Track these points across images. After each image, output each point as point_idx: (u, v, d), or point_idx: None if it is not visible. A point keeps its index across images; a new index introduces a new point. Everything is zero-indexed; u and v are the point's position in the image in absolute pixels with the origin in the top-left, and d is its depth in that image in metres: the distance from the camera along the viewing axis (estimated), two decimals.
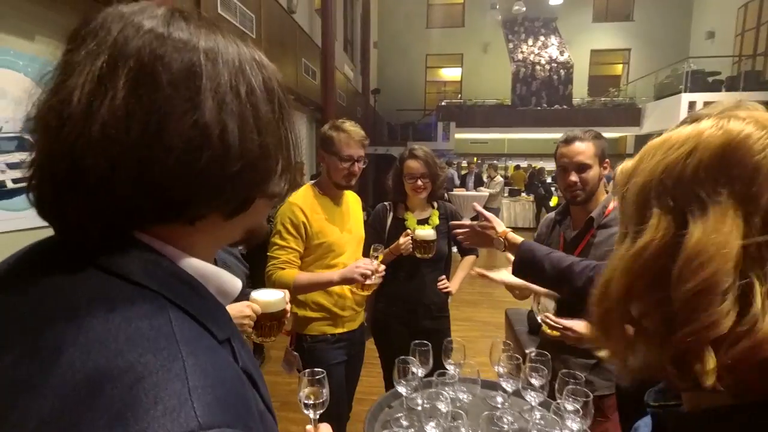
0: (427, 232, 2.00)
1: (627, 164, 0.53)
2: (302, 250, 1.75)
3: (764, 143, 0.43)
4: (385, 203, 2.27)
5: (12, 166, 2.49)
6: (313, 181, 1.88)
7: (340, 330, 1.85)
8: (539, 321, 1.46)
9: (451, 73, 17.55)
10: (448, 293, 2.22)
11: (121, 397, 0.31)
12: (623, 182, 0.52)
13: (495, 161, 13.13)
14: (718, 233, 0.41)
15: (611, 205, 1.53)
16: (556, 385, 1.19)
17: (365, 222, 2.15)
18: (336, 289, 1.81)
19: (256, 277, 3.44)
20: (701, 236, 0.41)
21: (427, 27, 16.70)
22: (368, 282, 1.72)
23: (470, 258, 2.34)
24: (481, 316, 4.76)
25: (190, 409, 0.32)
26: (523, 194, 11.54)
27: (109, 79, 0.38)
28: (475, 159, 14.05)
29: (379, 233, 2.19)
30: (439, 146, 13.05)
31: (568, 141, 1.54)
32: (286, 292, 1.29)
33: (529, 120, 13.80)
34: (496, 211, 8.78)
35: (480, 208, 1.51)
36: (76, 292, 0.37)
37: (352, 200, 1.99)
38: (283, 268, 1.70)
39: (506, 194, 11.35)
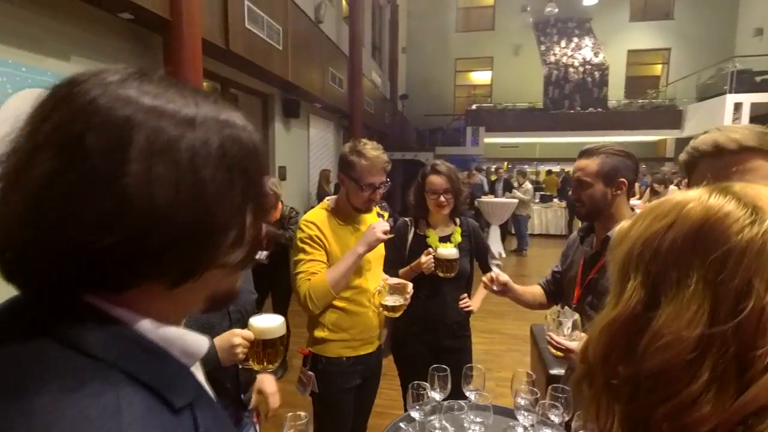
0: (449, 251, 1.95)
1: (624, 225, 0.52)
2: (327, 261, 1.69)
3: (742, 225, 0.40)
4: (406, 219, 2.23)
5: None
6: (329, 199, 1.85)
7: (356, 353, 1.80)
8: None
9: (481, 77, 17.35)
10: (470, 312, 2.16)
11: None
12: (616, 244, 0.51)
13: (524, 167, 12.84)
14: (682, 319, 0.40)
15: None
16: (573, 424, 1.13)
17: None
18: (357, 310, 1.76)
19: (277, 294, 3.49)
20: (667, 319, 0.41)
21: (456, 31, 16.58)
22: (397, 303, 1.69)
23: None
24: (508, 328, 4.63)
25: None
26: (555, 200, 11.22)
27: (39, 150, 0.38)
28: (505, 164, 13.82)
29: (399, 250, 2.14)
30: (467, 151, 12.91)
31: (579, 154, 1.52)
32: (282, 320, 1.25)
33: (561, 123, 13.45)
34: (526, 219, 8.56)
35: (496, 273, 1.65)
36: (29, 366, 0.36)
37: (369, 218, 1.93)
38: (310, 279, 1.65)
39: (537, 200, 11.07)
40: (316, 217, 1.74)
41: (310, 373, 1.76)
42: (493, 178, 10.05)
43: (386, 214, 1.78)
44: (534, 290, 1.84)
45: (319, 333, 1.76)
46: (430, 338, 2.11)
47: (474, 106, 15.08)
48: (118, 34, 3.11)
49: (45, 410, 0.33)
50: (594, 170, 1.45)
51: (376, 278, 1.85)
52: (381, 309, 1.74)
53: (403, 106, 14.00)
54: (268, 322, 1.21)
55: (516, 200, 8.21)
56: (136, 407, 0.36)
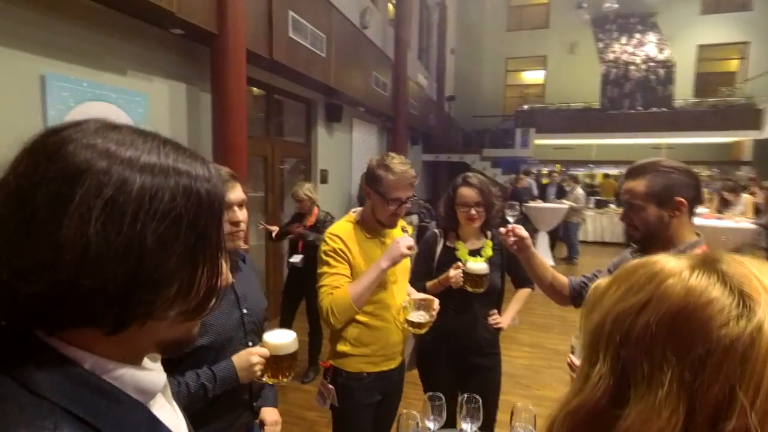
0: (479, 266, 1.89)
1: (600, 285, 0.46)
2: (350, 276, 1.69)
3: (726, 318, 0.34)
4: (435, 230, 2.18)
5: None
6: (355, 211, 1.83)
7: (377, 369, 1.76)
8: None
9: (533, 77, 16.81)
10: (499, 329, 2.09)
11: None
12: (589, 309, 0.45)
13: (578, 169, 12.30)
14: (652, 426, 0.34)
15: (697, 251, 1.32)
16: None
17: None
18: (379, 325, 1.74)
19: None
20: (635, 422, 0.35)
21: (507, 30, 16.18)
22: (423, 320, 1.66)
23: (525, 291, 2.19)
24: (552, 342, 4.42)
25: None
26: (612, 205, 10.62)
27: (32, 199, 0.41)
28: (557, 167, 13.29)
29: (427, 262, 2.11)
30: (516, 153, 12.56)
31: (625, 174, 1.40)
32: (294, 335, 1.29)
33: (620, 124, 12.74)
34: (577, 226, 8.19)
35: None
36: None
37: (395, 231, 1.89)
38: (333, 293, 1.64)
39: (592, 205, 10.55)
40: (341, 230, 1.73)
41: (330, 386, 1.75)
42: (546, 181, 9.70)
43: (410, 229, 1.78)
44: (555, 273, 1.69)
45: (340, 347, 1.75)
46: (457, 355, 2.06)
47: (525, 107, 14.63)
48: (170, 48, 3.32)
49: None
50: (642, 191, 1.32)
51: (401, 292, 1.82)
52: (406, 325, 1.72)
53: (450, 107, 13.84)
54: (282, 339, 1.26)
55: (566, 206, 7.88)
56: None
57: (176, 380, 1.17)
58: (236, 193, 1.32)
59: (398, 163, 1.66)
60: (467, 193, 2.00)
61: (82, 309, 0.42)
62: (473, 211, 1.98)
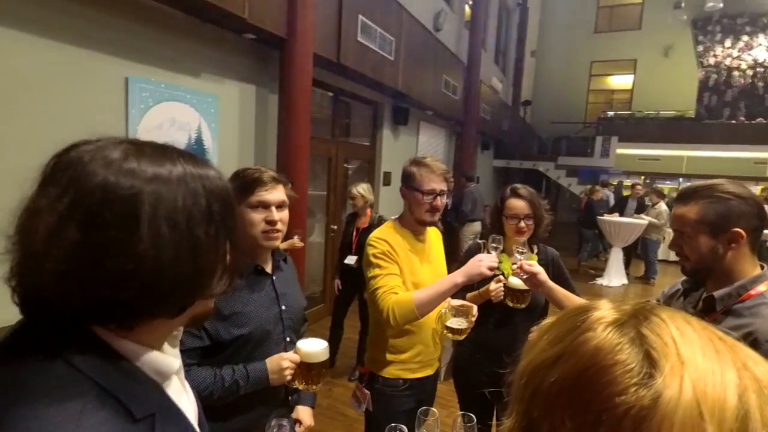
0: (520, 281, 1.81)
1: (543, 325, 0.42)
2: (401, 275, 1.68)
3: (627, 383, 0.30)
4: (479, 241, 2.13)
5: None
6: (394, 218, 1.84)
7: (413, 375, 1.76)
8: None
9: (620, 81, 15.69)
10: None
11: None
12: (526, 349, 0.42)
13: (662, 184, 11.25)
14: None
15: (760, 287, 1.14)
16: None
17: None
18: (417, 331, 1.73)
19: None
20: None
21: (595, 32, 15.25)
22: (462, 326, 1.63)
23: None
24: None
25: None
26: None
27: (63, 223, 0.47)
28: (641, 178, 12.30)
29: None
30: (595, 162, 11.80)
31: (675, 199, 1.26)
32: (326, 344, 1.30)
33: (717, 135, 11.51)
34: (656, 244, 7.50)
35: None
36: (32, 378, 0.47)
37: (433, 236, 1.91)
38: (397, 293, 1.62)
39: None
40: (385, 234, 1.74)
41: (366, 391, 1.76)
42: (626, 193, 8.97)
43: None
44: None
45: (377, 353, 1.76)
46: (494, 369, 1.97)
47: (608, 113, 13.71)
48: (242, 51, 3.50)
49: (23, 411, 0.44)
50: (693, 219, 1.18)
51: None
52: (445, 331, 1.68)
53: (525, 112, 13.32)
54: (314, 347, 1.27)
55: (645, 221, 7.25)
56: (96, 414, 0.45)
57: (214, 372, 1.23)
58: (275, 194, 1.34)
59: (429, 160, 1.70)
60: (517, 204, 1.91)
61: (157, 304, 0.51)
62: (522, 224, 1.90)
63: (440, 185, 1.69)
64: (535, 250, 2.01)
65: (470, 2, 8.36)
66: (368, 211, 3.61)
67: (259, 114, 3.75)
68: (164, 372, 0.56)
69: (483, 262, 1.55)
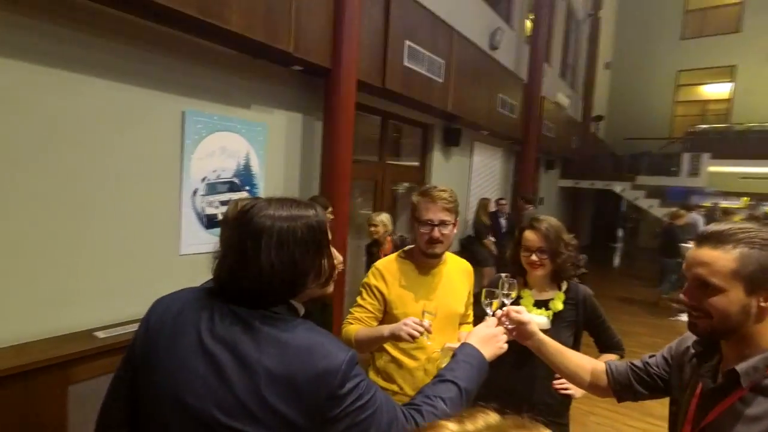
0: (538, 319, 1.71)
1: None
2: (378, 312, 1.73)
3: None
4: (502, 274, 2.06)
5: (224, 203, 3.32)
6: (408, 248, 1.86)
7: None
8: None
9: (715, 91, 14.27)
10: (568, 396, 1.82)
11: None
12: None
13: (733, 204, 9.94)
14: None
15: None
16: None
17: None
18: (408, 363, 1.72)
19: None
20: None
21: (681, 38, 14.10)
22: None
23: (611, 357, 1.86)
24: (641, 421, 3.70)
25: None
26: None
27: (245, 247, 0.87)
28: (744, 200, 11.03)
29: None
30: (681, 182, 10.78)
31: (699, 238, 1.00)
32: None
33: None
34: None
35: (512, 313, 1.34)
36: (284, 319, 0.89)
37: (452, 269, 1.84)
38: (351, 323, 1.73)
39: None
40: (384, 265, 1.79)
41: None
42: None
43: (431, 319, 1.59)
44: (583, 361, 1.35)
45: (372, 376, 1.78)
46: (511, 414, 1.88)
47: (700, 127, 12.50)
48: (289, 82, 3.75)
49: (302, 334, 0.87)
50: (729, 269, 0.93)
51: (444, 336, 1.73)
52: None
53: (597, 128, 12.56)
54: None
55: None
56: (305, 322, 0.91)
57: None
58: None
59: (435, 190, 1.70)
60: (530, 236, 1.84)
61: (278, 291, 0.89)
62: (534, 257, 1.82)
63: (439, 215, 1.66)
64: (563, 288, 1.88)
65: (531, 17, 8.16)
66: (388, 238, 3.68)
67: (306, 140, 3.97)
68: (300, 313, 0.96)
69: (407, 326, 1.49)
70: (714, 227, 1.00)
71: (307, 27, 3.38)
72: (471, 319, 1.97)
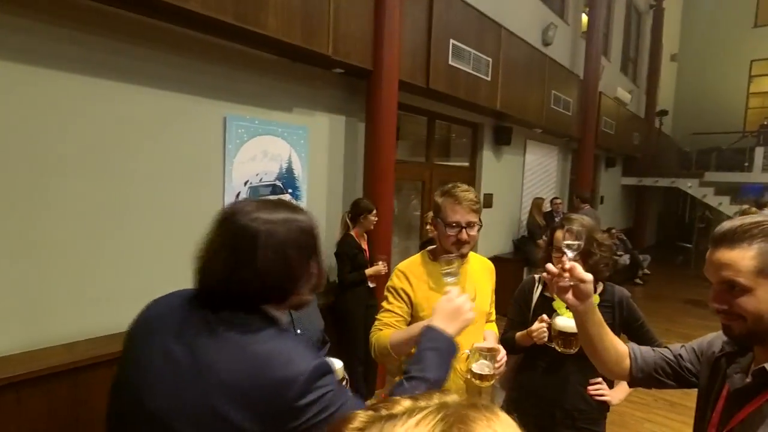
0: (569, 322, 1.56)
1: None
2: (407, 316, 1.66)
3: None
4: (535, 276, 1.95)
5: None
6: (430, 248, 1.78)
7: None
8: None
9: None
10: (604, 402, 1.74)
11: None
12: None
13: None
14: None
15: None
16: None
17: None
18: (448, 383, 1.61)
19: None
20: None
21: (755, 26, 12.88)
22: (485, 372, 1.50)
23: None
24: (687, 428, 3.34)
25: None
26: None
27: (239, 250, 0.85)
28: None
29: (523, 311, 1.90)
30: (755, 178, 9.80)
31: (714, 239, 0.95)
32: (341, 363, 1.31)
33: None
34: None
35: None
36: (250, 324, 0.85)
37: (476, 269, 1.77)
38: (381, 330, 1.65)
39: None
40: (408, 267, 1.72)
41: None
42: None
43: (447, 268, 1.54)
44: (616, 342, 1.23)
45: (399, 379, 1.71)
46: (545, 422, 1.76)
47: None
48: (331, 84, 3.74)
49: (266, 341, 0.83)
50: (752, 267, 0.89)
51: (471, 336, 1.64)
52: (468, 376, 1.55)
53: (661, 123, 11.70)
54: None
55: None
56: (287, 334, 0.90)
57: None
58: None
59: (459, 190, 1.62)
60: (561, 237, 1.71)
61: (269, 295, 0.87)
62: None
63: (466, 217, 1.58)
64: (598, 290, 1.77)
65: (587, 11, 7.75)
66: None
67: (349, 142, 3.94)
68: (282, 324, 0.91)
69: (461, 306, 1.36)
70: (726, 225, 0.94)
71: (346, 29, 3.35)
72: (494, 317, 1.89)
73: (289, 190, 3.49)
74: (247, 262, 0.83)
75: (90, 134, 2.37)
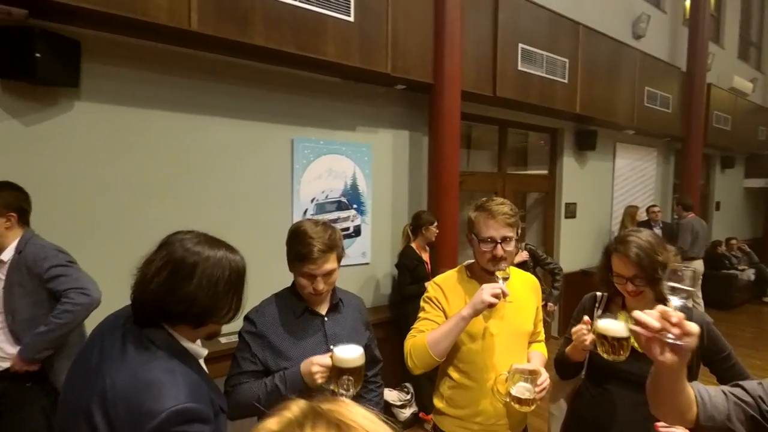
0: (616, 325, 1.37)
1: None
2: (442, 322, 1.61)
3: None
4: (596, 293, 1.78)
5: (333, 221, 3.51)
6: (468, 262, 1.72)
7: None
8: None
9: None
10: None
11: None
12: None
13: None
14: None
15: None
16: None
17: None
18: (473, 387, 1.57)
19: None
20: None
21: None
22: (524, 396, 1.43)
23: None
24: None
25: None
26: None
27: (161, 270, 0.98)
28: None
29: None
30: None
31: None
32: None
33: None
34: None
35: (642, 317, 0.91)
36: (128, 347, 0.97)
37: (517, 285, 1.66)
38: (416, 336, 1.61)
39: None
40: (443, 279, 1.70)
41: None
42: None
43: (501, 275, 1.49)
44: (689, 392, 0.97)
45: (437, 402, 1.68)
46: None
47: None
48: (393, 101, 3.82)
49: (154, 368, 0.93)
50: None
51: (510, 356, 1.58)
52: (507, 400, 1.48)
53: None
54: (347, 353, 1.31)
55: None
56: (184, 370, 0.96)
57: (263, 381, 1.41)
58: (324, 267, 1.45)
59: (494, 203, 1.55)
60: (619, 264, 1.55)
61: (191, 317, 0.99)
62: (630, 286, 1.52)
63: (501, 231, 1.51)
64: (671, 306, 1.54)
65: None
66: (518, 248, 3.37)
67: (413, 157, 3.99)
68: (199, 354, 1.06)
69: (485, 290, 1.37)
70: None
71: (405, 46, 3.42)
72: (542, 337, 1.77)
73: (354, 206, 3.63)
74: (182, 286, 0.96)
75: (171, 163, 2.73)
